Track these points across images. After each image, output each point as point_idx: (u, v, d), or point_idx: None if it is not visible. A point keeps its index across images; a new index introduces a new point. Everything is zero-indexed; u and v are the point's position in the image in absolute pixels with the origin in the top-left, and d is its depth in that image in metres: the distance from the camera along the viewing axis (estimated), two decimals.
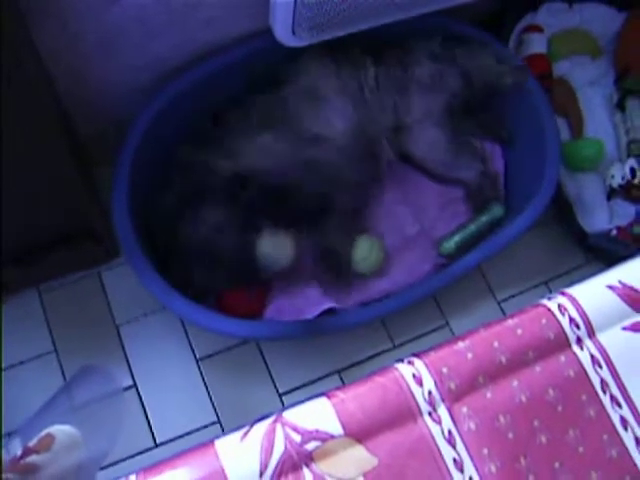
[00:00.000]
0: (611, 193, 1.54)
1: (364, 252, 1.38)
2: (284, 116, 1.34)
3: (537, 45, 1.60)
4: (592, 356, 0.73)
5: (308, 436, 0.66)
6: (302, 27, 1.25)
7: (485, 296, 1.50)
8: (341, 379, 1.40)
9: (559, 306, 0.75)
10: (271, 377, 1.38)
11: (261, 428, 0.68)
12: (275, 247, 1.28)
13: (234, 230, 1.29)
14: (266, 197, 1.28)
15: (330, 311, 1.34)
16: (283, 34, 1.25)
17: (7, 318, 1.36)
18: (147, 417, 1.33)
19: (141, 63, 1.32)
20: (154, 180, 1.36)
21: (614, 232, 1.50)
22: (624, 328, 0.76)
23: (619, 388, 0.73)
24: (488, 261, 1.39)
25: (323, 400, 0.69)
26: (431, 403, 0.69)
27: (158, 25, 1.24)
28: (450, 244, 1.43)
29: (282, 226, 1.29)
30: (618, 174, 1.52)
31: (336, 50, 1.36)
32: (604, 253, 1.50)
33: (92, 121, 1.39)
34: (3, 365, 1.34)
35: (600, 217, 1.52)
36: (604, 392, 0.72)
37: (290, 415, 0.68)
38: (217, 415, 1.34)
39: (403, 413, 0.68)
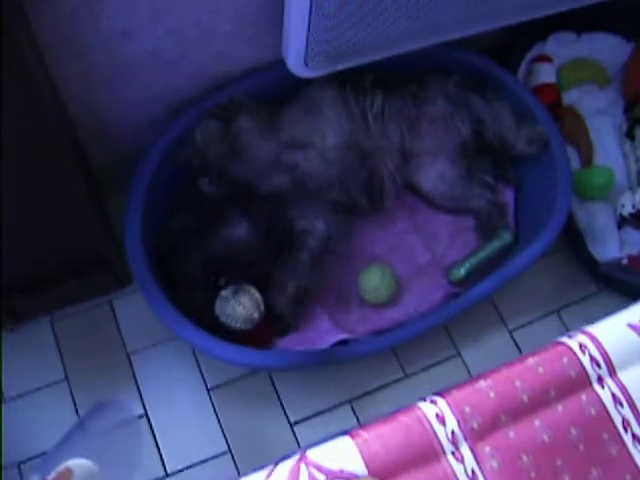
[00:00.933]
0: (622, 222, 1.54)
1: (375, 282, 1.38)
2: (279, 123, 1.35)
3: (546, 75, 1.61)
4: (613, 395, 0.73)
5: (332, 476, 0.66)
6: (315, 58, 1.26)
7: (496, 325, 1.50)
8: (352, 408, 1.39)
9: (580, 345, 0.75)
10: (282, 407, 1.38)
11: (285, 467, 0.68)
12: (235, 308, 1.29)
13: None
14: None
15: (342, 341, 1.34)
16: (296, 65, 1.26)
17: (19, 346, 1.37)
18: (158, 446, 1.32)
19: (154, 94, 1.33)
20: (166, 210, 1.36)
21: (625, 261, 1.50)
22: None
23: None
24: (500, 290, 1.39)
25: (346, 439, 0.68)
26: (454, 442, 0.69)
27: (171, 57, 1.26)
28: (460, 271, 1.43)
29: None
30: (629, 203, 1.53)
31: (347, 77, 1.37)
32: (615, 282, 1.50)
33: (104, 150, 1.40)
34: (14, 393, 1.34)
35: (611, 246, 1.52)
36: (626, 431, 0.72)
37: (314, 454, 0.68)
38: (228, 445, 1.34)
39: (426, 452, 0.68)
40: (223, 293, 1.30)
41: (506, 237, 1.45)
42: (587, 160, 1.60)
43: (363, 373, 1.41)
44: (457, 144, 1.42)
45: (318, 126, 1.35)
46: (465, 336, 1.47)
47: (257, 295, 1.31)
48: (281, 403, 1.38)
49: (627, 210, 1.52)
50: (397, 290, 1.41)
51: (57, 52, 1.12)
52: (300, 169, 1.32)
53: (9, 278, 1.22)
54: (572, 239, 1.51)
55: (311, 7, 1.13)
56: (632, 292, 1.48)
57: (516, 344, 1.48)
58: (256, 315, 1.30)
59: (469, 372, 1.44)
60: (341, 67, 1.31)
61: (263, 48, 1.34)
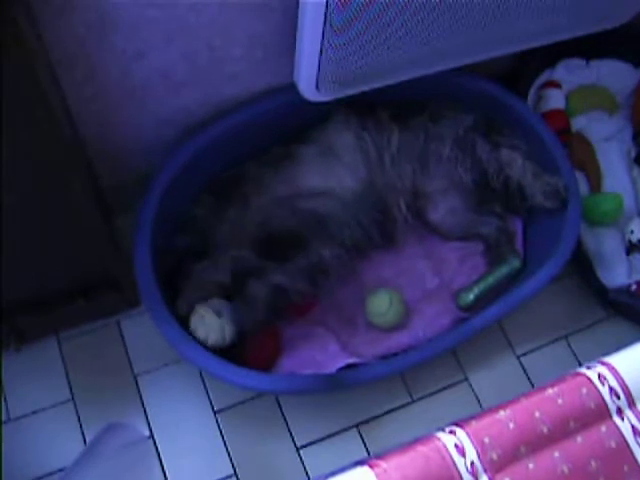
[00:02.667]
0: (630, 248, 1.54)
1: (383, 306, 1.37)
2: (295, 170, 1.35)
3: (555, 101, 1.62)
4: (633, 427, 0.73)
5: None
6: (326, 82, 1.26)
7: (504, 350, 1.49)
8: (359, 433, 1.38)
9: (599, 375, 0.75)
10: (289, 430, 1.37)
11: None
12: (203, 326, 1.27)
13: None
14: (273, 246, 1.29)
15: (349, 365, 1.33)
16: (307, 89, 1.27)
17: (25, 365, 1.36)
18: (163, 469, 1.31)
19: (166, 116, 1.34)
20: (176, 231, 1.36)
21: (634, 287, 1.50)
22: None
23: None
24: (508, 315, 1.39)
25: (365, 470, 0.68)
26: (474, 474, 0.68)
27: (183, 80, 1.26)
28: (469, 296, 1.42)
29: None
30: (637, 229, 1.53)
31: (364, 113, 1.38)
32: (624, 308, 1.50)
33: (114, 170, 1.40)
34: (19, 413, 1.33)
35: (619, 272, 1.52)
36: None
37: None
38: (234, 468, 1.33)
39: None
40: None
41: (515, 263, 1.45)
42: (596, 186, 1.60)
43: (370, 397, 1.40)
44: (465, 185, 1.42)
45: (335, 170, 1.36)
46: (473, 361, 1.46)
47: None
48: (288, 427, 1.37)
49: (636, 236, 1.52)
50: (405, 314, 1.40)
51: (70, 72, 1.13)
52: (317, 214, 1.33)
53: (16, 296, 1.21)
54: (581, 265, 1.51)
55: (323, 33, 1.14)
56: None
57: (524, 370, 1.47)
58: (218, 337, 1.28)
59: (477, 397, 1.43)
60: (352, 92, 1.32)
61: (274, 72, 1.35)
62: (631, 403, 0.74)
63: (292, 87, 1.28)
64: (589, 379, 0.75)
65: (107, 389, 1.36)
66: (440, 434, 0.72)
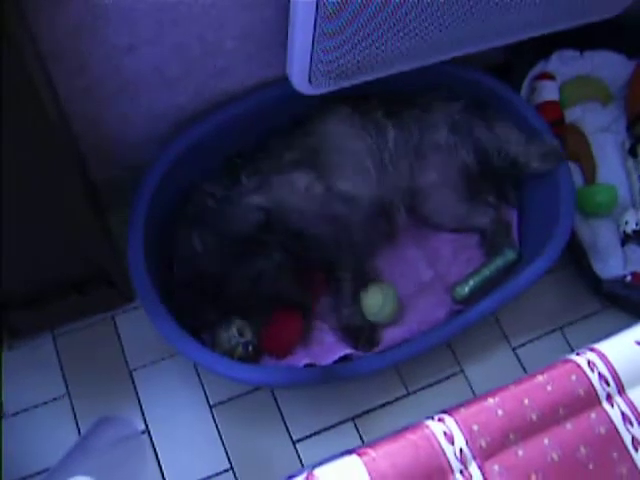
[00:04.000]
0: (625, 239, 1.54)
1: (378, 304, 1.37)
2: (316, 164, 1.35)
3: (549, 92, 1.61)
4: (623, 413, 0.73)
5: None
6: (319, 76, 1.26)
7: (500, 343, 1.49)
8: (355, 426, 1.38)
9: (588, 362, 0.75)
10: (285, 424, 1.37)
11: None
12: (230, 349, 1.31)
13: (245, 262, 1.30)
14: (289, 240, 1.29)
15: (345, 357, 1.33)
16: (300, 82, 1.27)
17: (21, 361, 1.36)
18: (159, 463, 1.31)
19: (158, 110, 1.34)
20: (169, 226, 1.36)
21: (629, 278, 1.49)
22: None
23: None
24: (503, 307, 1.38)
25: (354, 458, 0.68)
26: (462, 461, 0.68)
27: (174, 73, 1.26)
28: (464, 289, 1.42)
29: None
30: (632, 220, 1.53)
31: (360, 109, 1.38)
32: (619, 299, 1.50)
33: (107, 165, 1.40)
34: (15, 409, 1.33)
35: (614, 263, 1.52)
36: (636, 450, 0.71)
37: (321, 472, 0.67)
38: (230, 462, 1.33)
39: (435, 471, 0.67)
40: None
41: (510, 255, 1.45)
42: (590, 177, 1.60)
43: (366, 391, 1.40)
44: (462, 172, 1.42)
45: (354, 175, 1.36)
46: (468, 354, 1.46)
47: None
48: (284, 420, 1.37)
49: (630, 227, 1.52)
50: (399, 309, 1.40)
51: (61, 66, 1.13)
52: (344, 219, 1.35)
53: (10, 293, 1.21)
54: (576, 256, 1.51)
55: (315, 26, 1.14)
56: (636, 309, 1.48)
57: (520, 361, 1.47)
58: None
59: (472, 390, 1.43)
60: (345, 84, 1.31)
61: (267, 65, 1.34)
62: (621, 390, 0.74)
63: (285, 80, 1.27)
64: (578, 365, 0.75)
65: (103, 384, 1.36)
66: (429, 422, 0.72)
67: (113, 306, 1.41)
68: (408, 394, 1.42)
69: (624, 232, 1.53)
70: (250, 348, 1.31)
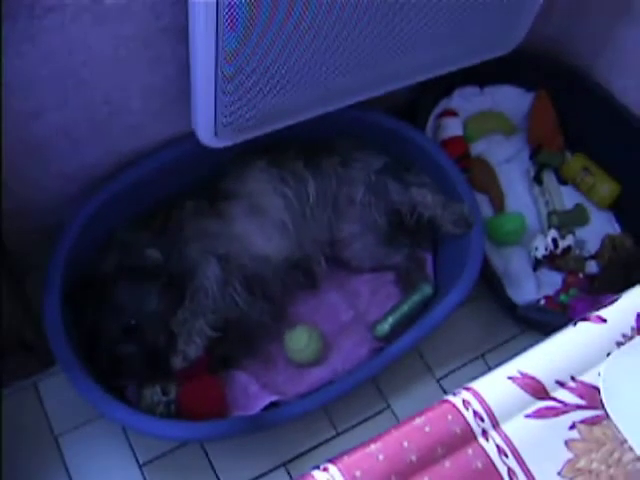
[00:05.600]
0: (536, 264, 1.59)
1: (302, 342, 1.39)
2: (225, 230, 1.36)
3: (453, 128, 1.68)
4: (498, 446, 0.76)
5: None
6: (224, 129, 1.29)
7: (424, 375, 1.52)
8: (287, 471, 1.39)
9: (463, 401, 0.78)
10: (217, 476, 1.37)
11: None
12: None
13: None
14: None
15: (273, 404, 1.34)
16: (206, 136, 1.29)
17: None
18: None
19: (69, 171, 1.34)
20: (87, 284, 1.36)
21: (542, 301, 1.55)
22: (527, 416, 0.79)
23: (526, 475, 0.76)
24: (424, 340, 1.42)
25: None
26: None
27: (83, 135, 1.27)
28: (384, 326, 1.45)
29: None
30: (541, 245, 1.58)
31: (276, 161, 1.41)
32: (535, 322, 1.54)
33: (20, 228, 1.39)
34: None
35: (528, 288, 1.57)
36: None
37: None
38: None
39: None
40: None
41: (426, 289, 1.49)
42: (499, 207, 1.66)
43: (295, 434, 1.41)
44: (377, 226, 1.46)
45: (266, 230, 1.38)
46: (394, 388, 1.49)
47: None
48: (215, 473, 1.38)
49: (540, 252, 1.58)
50: (324, 349, 1.42)
51: None
52: (247, 270, 1.35)
53: None
54: (490, 284, 1.55)
55: (216, 82, 1.16)
56: (551, 331, 1.52)
57: (444, 392, 1.50)
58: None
59: None
60: (250, 136, 1.34)
61: (174, 122, 1.36)
62: (495, 424, 0.77)
63: (192, 135, 1.29)
64: (454, 405, 0.78)
65: (28, 453, 1.35)
66: (315, 472, 0.74)
67: (33, 372, 1.39)
68: (337, 434, 1.44)
69: (535, 257, 1.59)
70: (172, 407, 1.30)
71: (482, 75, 1.69)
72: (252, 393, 1.37)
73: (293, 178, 1.41)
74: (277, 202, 1.39)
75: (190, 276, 1.30)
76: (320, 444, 1.42)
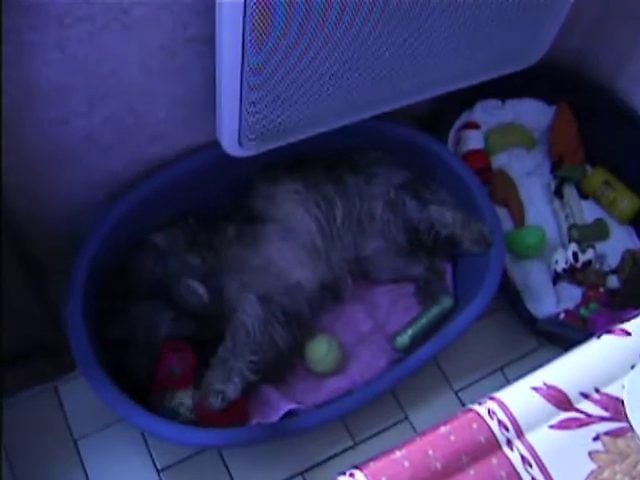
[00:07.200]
0: (557, 277, 1.59)
1: (322, 352, 1.40)
2: (263, 262, 1.37)
3: (474, 141, 1.68)
4: (522, 456, 0.76)
5: None
6: (248, 138, 1.30)
7: (442, 387, 1.52)
8: None
9: (488, 410, 0.78)
10: None
11: None
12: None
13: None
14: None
15: (290, 412, 1.34)
16: (230, 145, 1.30)
17: None
18: None
19: (94, 179, 1.36)
20: (109, 292, 1.37)
21: (562, 315, 1.54)
22: (551, 427, 0.79)
23: None
24: (442, 352, 1.42)
25: None
26: None
27: (109, 143, 1.29)
28: (404, 338, 1.45)
29: None
30: (561, 259, 1.58)
31: (308, 182, 1.42)
32: (554, 336, 1.54)
33: (45, 234, 1.41)
34: None
35: (548, 301, 1.56)
36: None
37: None
38: None
39: None
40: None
41: (446, 302, 1.49)
42: (519, 220, 1.66)
43: (313, 444, 1.41)
44: (396, 241, 1.47)
45: (299, 255, 1.39)
46: (412, 400, 1.49)
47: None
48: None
49: (561, 266, 1.58)
50: (343, 359, 1.43)
51: None
52: (285, 306, 1.35)
53: None
54: (510, 298, 1.55)
55: (241, 92, 1.18)
56: (571, 345, 1.52)
57: (462, 404, 1.50)
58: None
59: None
60: (274, 146, 1.35)
61: (198, 131, 1.38)
62: (519, 434, 0.78)
63: (216, 145, 1.31)
64: (479, 414, 0.78)
65: (47, 456, 1.36)
66: (340, 478, 0.74)
67: (54, 376, 1.41)
68: (355, 444, 1.44)
69: (555, 271, 1.59)
70: (194, 413, 1.31)
71: (504, 88, 1.69)
72: (271, 401, 1.37)
73: (324, 200, 1.42)
74: (310, 226, 1.40)
75: (229, 314, 1.30)
76: (337, 454, 1.42)
